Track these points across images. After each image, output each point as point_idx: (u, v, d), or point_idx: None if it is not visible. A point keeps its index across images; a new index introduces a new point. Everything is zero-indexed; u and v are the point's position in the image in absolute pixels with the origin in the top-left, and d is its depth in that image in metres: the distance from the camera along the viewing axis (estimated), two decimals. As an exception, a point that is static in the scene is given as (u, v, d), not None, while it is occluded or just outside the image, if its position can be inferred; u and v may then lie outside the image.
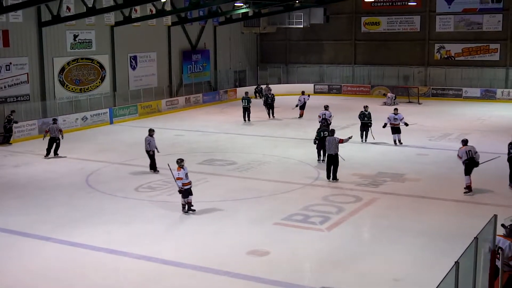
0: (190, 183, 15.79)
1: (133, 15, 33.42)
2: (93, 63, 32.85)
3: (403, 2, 42.14)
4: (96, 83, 33.08)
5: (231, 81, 43.78)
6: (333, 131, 19.60)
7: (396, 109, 25.01)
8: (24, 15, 28.72)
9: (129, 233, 14.46)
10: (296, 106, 32.85)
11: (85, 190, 18.45)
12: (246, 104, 31.67)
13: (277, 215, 15.52)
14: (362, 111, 25.45)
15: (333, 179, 18.95)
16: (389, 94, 38.89)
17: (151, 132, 20.92)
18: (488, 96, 39.51)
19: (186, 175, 15.72)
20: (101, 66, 33.34)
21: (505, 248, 9.74)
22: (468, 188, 17.48)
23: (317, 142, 21.39)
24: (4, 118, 26.54)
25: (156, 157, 20.72)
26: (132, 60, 35.45)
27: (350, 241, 13.86)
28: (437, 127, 28.69)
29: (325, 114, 25.34)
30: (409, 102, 38.89)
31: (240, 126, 30.29)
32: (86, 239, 13.96)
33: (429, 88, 41.40)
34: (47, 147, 23.31)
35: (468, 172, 17.56)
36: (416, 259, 12.64)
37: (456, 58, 41.51)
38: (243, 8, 37.73)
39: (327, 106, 26.69)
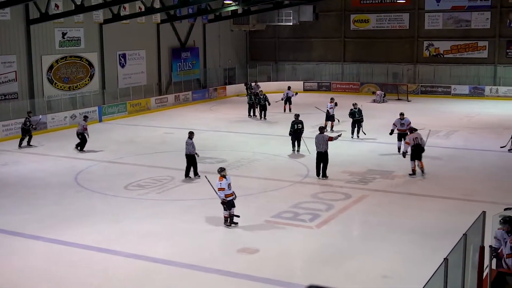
0: (233, 194, 14.61)
1: (122, 13, 33.30)
2: (82, 61, 32.73)
3: (392, 0, 42.24)
4: (85, 81, 32.96)
5: (220, 79, 43.75)
6: (322, 129, 19.61)
7: (402, 114, 22.64)
8: (12, 12, 28.56)
9: (119, 231, 14.42)
10: (281, 99, 33.91)
11: (74, 189, 18.38)
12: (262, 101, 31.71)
13: (266, 213, 15.53)
14: (352, 109, 25.46)
15: (322, 176, 18.98)
16: (378, 92, 38.99)
17: (191, 135, 19.73)
18: (476, 93, 39.71)
19: (229, 185, 14.54)
20: (90, 64, 33.22)
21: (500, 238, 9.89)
22: (413, 172, 19.24)
23: (291, 134, 22.91)
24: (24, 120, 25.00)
25: (155, 156, 20.64)
26: (121, 58, 35.35)
27: (340, 238, 13.89)
28: (426, 124, 28.77)
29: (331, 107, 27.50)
30: (398, 99, 39.02)
31: (230, 123, 30.24)
32: (75, 237, 13.91)
33: (418, 85, 41.55)
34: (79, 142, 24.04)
35: (414, 157, 19.18)
36: (405, 256, 12.69)
37: (445, 56, 41.69)
38: (232, 5, 37.68)
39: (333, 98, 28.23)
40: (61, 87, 31.50)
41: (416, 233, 14.01)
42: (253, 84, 39.45)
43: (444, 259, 7.75)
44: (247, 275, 11.76)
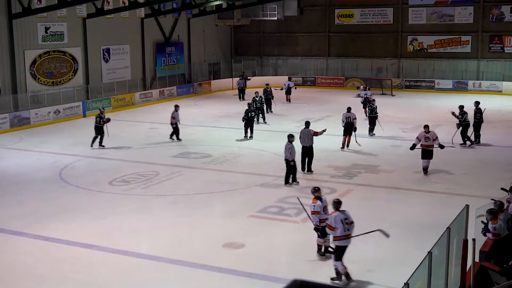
0: (328, 218, 11.72)
1: (106, 7, 33.09)
2: (65, 56, 32.50)
3: (376, -5, 42.37)
4: (69, 76, 32.74)
5: (205, 74, 43.65)
6: (307, 123, 19.64)
7: (427, 126, 19.13)
8: (-7, 7, 28.30)
9: (103, 227, 14.37)
10: (281, 89, 35.51)
11: (58, 184, 18.28)
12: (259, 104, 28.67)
13: (252, 208, 15.55)
14: (371, 106, 25.14)
15: (307, 171, 19.03)
16: (362, 87, 39.07)
17: (290, 138, 17.71)
18: (460, 87, 39.96)
19: (325, 208, 12.28)
20: (74, 59, 33.00)
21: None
22: (345, 145, 22.32)
23: (244, 120, 24.70)
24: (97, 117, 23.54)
25: (140, 151, 20.57)
26: (105, 53, 35.14)
27: (325, 232, 13.92)
28: (410, 119, 28.96)
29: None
30: (383, 94, 39.15)
31: (215, 118, 30.19)
32: (60, 233, 13.85)
33: (402, 80, 41.73)
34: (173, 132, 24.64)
35: (346, 133, 22.37)
36: (390, 250, 12.76)
37: (429, 50, 41.88)
38: (217, 0, 37.59)
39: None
40: (44, 82, 31.27)
41: (401, 227, 14.09)
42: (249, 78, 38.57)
43: (428, 252, 7.81)
44: (233, 270, 11.78)
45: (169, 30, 40.20)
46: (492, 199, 11.89)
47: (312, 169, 19.05)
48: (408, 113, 30.08)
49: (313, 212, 12.19)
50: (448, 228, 8.74)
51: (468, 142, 23.13)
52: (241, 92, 37.16)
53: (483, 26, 40.15)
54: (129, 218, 15.04)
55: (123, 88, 35.40)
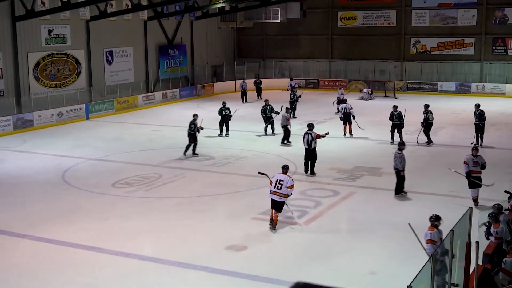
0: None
1: (109, 10, 33.14)
2: (69, 58, 32.54)
3: (379, -3, 42.35)
4: (72, 78, 32.78)
5: (208, 76, 43.65)
6: (311, 126, 19.67)
7: (475, 149, 16.26)
8: (-3, 9, 28.35)
9: (106, 229, 14.37)
10: (287, 90, 35.33)
11: (61, 187, 18.29)
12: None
13: (254, 210, 15.53)
14: (391, 112, 24.15)
15: (310, 173, 19.01)
16: (365, 89, 39.07)
17: (401, 146, 17.11)
18: (463, 90, 39.90)
19: (441, 239, 10.54)
20: (77, 61, 33.04)
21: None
22: (347, 133, 24.02)
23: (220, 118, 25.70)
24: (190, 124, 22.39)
25: (143, 154, 20.56)
26: (108, 55, 35.18)
27: (328, 235, 13.93)
28: (413, 121, 28.88)
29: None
30: (386, 96, 39.11)
31: (217, 121, 30.13)
32: (62, 235, 13.85)
33: (405, 82, 41.68)
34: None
35: (344, 122, 24.30)
36: (392, 252, 12.75)
37: (432, 53, 41.85)
38: (220, 2, 37.64)
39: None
40: (47, 84, 31.31)
41: (404, 230, 14.01)
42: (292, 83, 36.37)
43: (432, 254, 7.79)
44: (235, 272, 11.77)
45: (172, 32, 40.22)
46: (496, 204, 11.83)
47: (315, 172, 19.03)
48: (411, 115, 29.96)
49: (428, 241, 10.63)
50: (451, 231, 8.72)
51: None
52: (244, 95, 37.18)
53: (486, 29, 40.10)
54: (131, 220, 15.03)
55: (126, 91, 35.42)
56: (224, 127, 25.92)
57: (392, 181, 18.44)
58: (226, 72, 44.74)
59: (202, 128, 22.35)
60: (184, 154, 21.95)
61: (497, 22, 39.86)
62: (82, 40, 33.31)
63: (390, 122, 24.20)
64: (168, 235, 14.00)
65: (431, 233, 10.70)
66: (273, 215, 14.11)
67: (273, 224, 14.08)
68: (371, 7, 43.07)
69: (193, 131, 22.01)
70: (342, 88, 33.48)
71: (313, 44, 45.27)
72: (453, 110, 32.97)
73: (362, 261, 12.36)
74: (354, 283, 11.25)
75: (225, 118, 26.00)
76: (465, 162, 15.95)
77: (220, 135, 25.86)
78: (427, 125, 23.71)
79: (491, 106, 34.35)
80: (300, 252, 12.86)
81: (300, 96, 30.38)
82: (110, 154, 22.75)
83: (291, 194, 14.34)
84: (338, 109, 28.81)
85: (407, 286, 6.72)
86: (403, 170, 16.59)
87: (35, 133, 27.44)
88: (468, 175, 15.79)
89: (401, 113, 23.90)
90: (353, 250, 12.95)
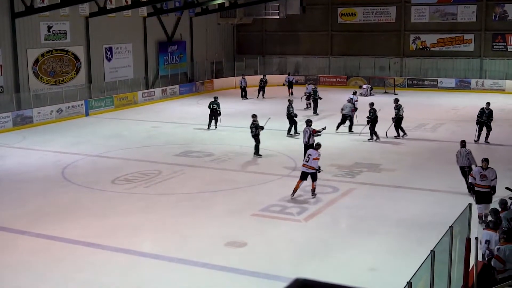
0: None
1: (108, 6, 33.10)
2: (68, 55, 32.51)
3: (379, -7, 42.31)
4: (71, 75, 32.75)
5: (208, 73, 43.63)
6: (309, 122, 19.71)
7: (486, 160, 14.57)
8: (-4, 6, 28.30)
9: (106, 225, 14.37)
10: (283, 85, 37.15)
11: (61, 183, 18.29)
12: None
13: (254, 206, 15.54)
14: (482, 108, 23.33)
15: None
16: (364, 85, 39.05)
17: (463, 143, 16.82)
18: (462, 86, 39.89)
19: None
20: (76, 58, 33.01)
21: (491, 240, 9.91)
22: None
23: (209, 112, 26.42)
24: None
25: (142, 150, 20.54)
26: (107, 52, 35.15)
27: (327, 231, 13.94)
28: (413, 117, 28.91)
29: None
30: (385, 92, 39.10)
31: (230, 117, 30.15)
32: (62, 232, 13.85)
33: (404, 78, 41.66)
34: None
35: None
36: (392, 249, 12.76)
37: (431, 49, 41.82)
38: (219, -1, 37.60)
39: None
40: (47, 81, 31.28)
41: (403, 226, 14.08)
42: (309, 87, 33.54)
43: (431, 251, 7.80)
44: (235, 269, 11.77)
45: (171, 29, 40.18)
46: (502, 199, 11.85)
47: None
48: (410, 112, 29.98)
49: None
50: (451, 227, 8.72)
51: (401, 133, 24.10)
52: (243, 91, 37.17)
53: (486, 25, 40.07)
54: (131, 216, 15.03)
55: (126, 87, 35.40)
56: (212, 122, 26.66)
57: (392, 177, 18.47)
58: (226, 69, 44.73)
59: (262, 128, 21.40)
60: (259, 155, 21.12)
61: (497, 18, 39.82)
62: (82, 37, 33.28)
63: (390, 118, 24.33)
64: (168, 231, 14.01)
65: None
66: (299, 186, 16.18)
67: (312, 191, 16.17)
68: (371, 3, 43.03)
69: (256, 133, 21.18)
70: (312, 84, 33.42)
71: (312, 41, 45.23)
72: (452, 106, 32.97)
73: (362, 257, 12.37)
74: (354, 279, 11.26)
75: (213, 112, 26.69)
76: (471, 175, 14.65)
77: (208, 129, 26.51)
78: (397, 120, 24.11)
79: (491, 102, 34.35)
80: (300, 248, 12.87)
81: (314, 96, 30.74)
82: (109, 150, 22.75)
83: (317, 166, 16.24)
84: (307, 105, 31.57)
85: (407, 282, 6.72)
86: (469, 167, 16.31)
87: (34, 129, 27.43)
88: (471, 188, 14.75)
89: (491, 111, 23.46)
90: (353, 247, 12.95)
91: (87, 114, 31.26)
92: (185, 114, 31.49)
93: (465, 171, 16.49)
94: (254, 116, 21.79)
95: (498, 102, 33.63)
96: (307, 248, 12.82)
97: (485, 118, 23.13)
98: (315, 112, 30.20)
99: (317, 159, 16.14)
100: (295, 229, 14.04)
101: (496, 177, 14.18)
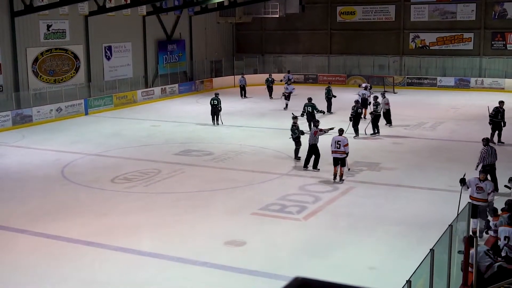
0: None
1: (108, 5, 33.08)
2: (67, 54, 32.49)
3: (378, -8, 42.30)
4: (71, 74, 32.73)
5: (207, 71, 43.62)
6: (316, 122, 20.03)
7: (484, 172, 13.71)
8: (-4, 5, 28.28)
9: (105, 224, 14.37)
10: (281, 81, 37.20)
11: (60, 182, 18.28)
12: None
13: (254, 205, 15.54)
14: (496, 107, 22.72)
15: (313, 168, 18.99)
16: (364, 84, 39.01)
17: (487, 141, 16.86)
18: (462, 85, 39.89)
19: None
20: (76, 57, 32.99)
21: (511, 236, 9.98)
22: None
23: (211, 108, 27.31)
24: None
25: (142, 149, 20.53)
26: (107, 51, 35.13)
27: (327, 230, 13.94)
28: (412, 116, 28.93)
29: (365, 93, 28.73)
30: (385, 91, 38.93)
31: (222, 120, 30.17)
32: (61, 231, 13.85)
33: (404, 77, 41.66)
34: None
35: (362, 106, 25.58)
36: (391, 247, 12.76)
37: (431, 47, 41.82)
38: (219, -3, 37.58)
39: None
40: (46, 80, 31.27)
41: (403, 224, 14.08)
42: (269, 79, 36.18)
43: (430, 249, 7.80)
44: (234, 268, 11.78)
45: (170, 27, 40.17)
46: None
47: (319, 167, 18.99)
48: (410, 110, 30.03)
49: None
50: (450, 225, 8.73)
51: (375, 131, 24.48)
52: (243, 90, 37.16)
53: (486, 23, 40.06)
54: (130, 215, 15.03)
55: (125, 86, 35.39)
56: (215, 117, 27.47)
57: (391, 176, 18.46)
58: (225, 67, 44.72)
59: (303, 133, 20.59)
60: (298, 158, 20.32)
61: (496, 17, 39.82)
62: (81, 36, 33.26)
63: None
64: (167, 230, 14.01)
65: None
66: (337, 170, 17.66)
67: (340, 177, 17.57)
68: (370, 2, 43.02)
69: (298, 135, 20.27)
70: (290, 84, 33.77)
71: (312, 39, 45.22)
72: (452, 105, 32.97)
73: (361, 256, 12.37)
74: (353, 278, 11.26)
75: (214, 108, 27.50)
76: (466, 185, 13.41)
77: (214, 124, 27.38)
78: (375, 117, 24.55)
79: (490, 101, 34.38)
80: (299, 247, 12.87)
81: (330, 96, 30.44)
82: (109, 149, 22.74)
83: (348, 151, 17.68)
84: (286, 105, 31.09)
85: (406, 280, 6.73)
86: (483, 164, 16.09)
87: (34, 128, 27.42)
88: (463, 180, 13.56)
89: (504, 110, 22.92)
90: (352, 245, 12.95)
91: (86, 113, 31.25)
92: (184, 113, 31.48)
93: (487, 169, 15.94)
94: (294, 117, 20.69)
95: (498, 101, 33.64)
96: (306, 247, 12.82)
97: (500, 117, 22.55)
98: (329, 110, 29.77)
99: (347, 145, 17.71)
100: (294, 228, 14.04)
101: (493, 191, 13.02)
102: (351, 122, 23.96)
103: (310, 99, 25.76)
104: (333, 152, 17.77)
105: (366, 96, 28.13)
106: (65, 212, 15.28)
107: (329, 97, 30.34)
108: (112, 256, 12.50)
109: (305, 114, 25.14)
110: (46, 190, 17.46)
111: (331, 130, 19.64)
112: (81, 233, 13.69)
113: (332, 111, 29.98)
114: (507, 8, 39.38)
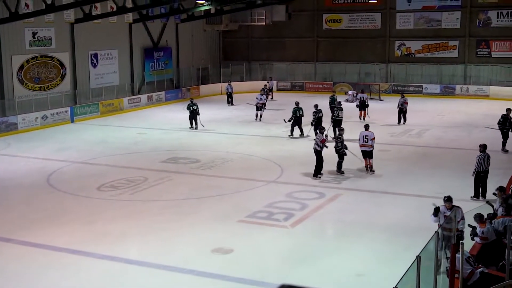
0: None
1: (94, 12, 32.96)
2: (53, 61, 32.34)
3: (364, 0, 42.52)
4: (56, 81, 32.58)
5: (194, 79, 43.59)
6: (322, 129, 20.22)
7: (448, 201, 12.21)
8: (-20, 12, 28.09)
9: (92, 232, 14.29)
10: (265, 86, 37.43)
11: (46, 190, 18.17)
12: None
13: (241, 213, 15.52)
14: (505, 114, 22.56)
15: (315, 175, 19.16)
16: (350, 91, 39.22)
17: (484, 148, 16.72)
18: (447, 92, 40.17)
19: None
20: (61, 64, 32.85)
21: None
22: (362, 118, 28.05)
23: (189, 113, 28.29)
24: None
25: (128, 157, 20.45)
26: (93, 58, 35.01)
27: (314, 237, 13.94)
28: (396, 124, 29.08)
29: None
30: (371, 98, 39.18)
31: (204, 123, 30.14)
32: (47, 239, 13.75)
33: (390, 84, 41.87)
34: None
35: (361, 109, 29.72)
36: (378, 254, 12.78)
37: (416, 55, 42.09)
38: (205, 5, 37.59)
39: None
40: (32, 87, 31.09)
41: (390, 231, 14.12)
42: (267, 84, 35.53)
43: (417, 256, 7.83)
44: (221, 275, 11.75)
45: (157, 35, 40.13)
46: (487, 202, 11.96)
47: (320, 174, 19.15)
48: (396, 118, 30.14)
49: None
50: (437, 232, 8.77)
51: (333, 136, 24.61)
52: (230, 97, 37.17)
53: (470, 31, 40.40)
54: (117, 223, 14.96)
55: (111, 93, 35.28)
56: (193, 122, 28.21)
57: (378, 183, 18.52)
58: (212, 75, 44.72)
59: (346, 148, 19.69)
60: (342, 172, 19.57)
61: (480, 25, 40.17)
62: (67, 43, 33.13)
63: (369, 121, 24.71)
64: (154, 238, 13.95)
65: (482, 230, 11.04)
66: (368, 162, 19.46)
67: (371, 168, 19.36)
68: (356, 10, 43.25)
69: (343, 149, 19.57)
70: (362, 89, 34.57)
71: (298, 47, 45.35)
72: (438, 112, 33.17)
73: (349, 263, 12.39)
74: (341, 285, 11.28)
75: (193, 113, 28.20)
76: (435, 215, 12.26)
77: (191, 128, 28.07)
78: (335, 121, 25.26)
79: (475, 108, 34.66)
80: (286, 254, 12.86)
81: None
82: (95, 157, 22.64)
83: (374, 144, 19.53)
84: (257, 116, 30.73)
85: (393, 287, 6.75)
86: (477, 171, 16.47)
87: (19, 136, 27.25)
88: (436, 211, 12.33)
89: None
90: (340, 252, 12.97)
91: (72, 121, 31.11)
92: (171, 120, 31.42)
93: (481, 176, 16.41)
94: (341, 129, 20.61)
95: (482, 108, 33.98)
96: (293, 254, 12.82)
97: (508, 124, 22.39)
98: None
99: (374, 139, 19.53)
100: (281, 235, 14.04)
101: (462, 218, 11.83)
102: (331, 124, 24.76)
103: (297, 103, 26.10)
104: (361, 146, 19.61)
105: (364, 98, 30.49)
106: (51, 220, 15.18)
107: (333, 105, 30.06)
108: (98, 264, 12.42)
109: (293, 118, 25.54)
110: (32, 198, 17.33)
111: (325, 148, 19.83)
112: (67, 241, 13.60)
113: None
114: (491, 16, 39.75)
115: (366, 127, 20.19)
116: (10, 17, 28.57)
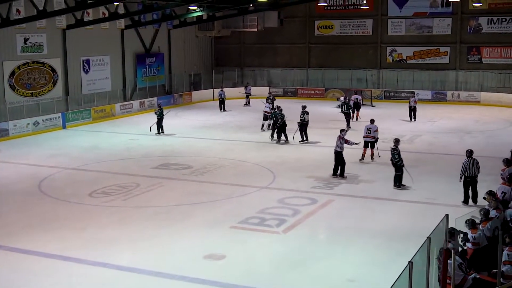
0: None
1: (86, 18, 32.94)
2: (45, 67, 32.27)
3: (356, 6, 42.67)
4: (48, 87, 32.49)
5: (186, 85, 43.58)
6: (342, 130, 20.51)
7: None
8: (-28, 18, 27.99)
9: (83, 239, 14.24)
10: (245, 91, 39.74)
11: (37, 196, 18.10)
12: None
13: (233, 219, 15.51)
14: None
15: (340, 176, 19.76)
16: (341, 98, 39.25)
17: (470, 153, 16.88)
18: (439, 98, 40.32)
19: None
20: (53, 70, 32.77)
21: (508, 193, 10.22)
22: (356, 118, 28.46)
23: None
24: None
25: (120, 163, 20.40)
26: (85, 64, 34.96)
27: (306, 243, 13.94)
28: (390, 129, 29.11)
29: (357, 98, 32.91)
30: (363, 104, 39.29)
31: (195, 129, 30.14)
32: (39, 246, 13.69)
33: (381, 90, 42.00)
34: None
35: (354, 110, 30.63)
36: (371, 260, 12.79)
37: (408, 61, 42.24)
38: (197, 11, 37.61)
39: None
40: (23, 93, 30.99)
41: (382, 237, 14.14)
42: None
43: (409, 262, 7.84)
44: (214, 281, 11.72)
45: (149, 41, 40.12)
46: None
47: (345, 175, 19.82)
48: (387, 123, 30.23)
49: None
50: (429, 238, 8.79)
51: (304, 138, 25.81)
52: (222, 103, 37.17)
53: (461, 38, 40.59)
54: (109, 230, 14.91)
55: (103, 99, 35.22)
56: (160, 128, 28.88)
57: (370, 188, 18.55)
58: (204, 81, 44.74)
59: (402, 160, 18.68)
60: (403, 185, 18.57)
61: (471, 31, 40.38)
62: (59, 49, 33.07)
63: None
64: (146, 244, 13.91)
65: (474, 236, 11.01)
66: (366, 152, 21.72)
67: (371, 156, 21.71)
68: (348, 16, 43.39)
69: (397, 160, 18.47)
70: (357, 94, 34.78)
71: (290, 53, 45.45)
72: (429, 118, 33.27)
73: (341, 268, 12.39)
74: (333, 291, 11.28)
75: (161, 119, 28.93)
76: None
77: (158, 133, 28.61)
78: (302, 125, 25.86)
79: (466, 114, 34.81)
80: (279, 260, 12.85)
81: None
82: (87, 163, 22.58)
83: (377, 137, 21.81)
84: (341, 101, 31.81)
85: (385, 293, 6.75)
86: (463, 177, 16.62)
87: (10, 142, 27.15)
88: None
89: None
90: (332, 258, 12.97)
91: (64, 127, 31.02)
92: (163, 126, 31.32)
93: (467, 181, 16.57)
94: (396, 140, 19.27)
95: (474, 114, 34.13)
96: (286, 260, 12.81)
97: None
98: (348, 125, 28.98)
99: (377, 131, 21.82)
100: (274, 241, 14.03)
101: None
102: (298, 128, 25.65)
103: (304, 107, 26.51)
104: (364, 136, 21.73)
105: (358, 100, 32.48)
106: (42, 227, 15.12)
107: (347, 110, 29.99)
108: (90, 270, 12.37)
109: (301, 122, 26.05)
110: (23, 204, 17.26)
111: (355, 145, 20.50)
112: (59, 248, 13.54)
113: (349, 125, 29.25)
114: (482, 22, 39.95)
115: (372, 121, 22.38)
116: (1, 23, 28.48)
